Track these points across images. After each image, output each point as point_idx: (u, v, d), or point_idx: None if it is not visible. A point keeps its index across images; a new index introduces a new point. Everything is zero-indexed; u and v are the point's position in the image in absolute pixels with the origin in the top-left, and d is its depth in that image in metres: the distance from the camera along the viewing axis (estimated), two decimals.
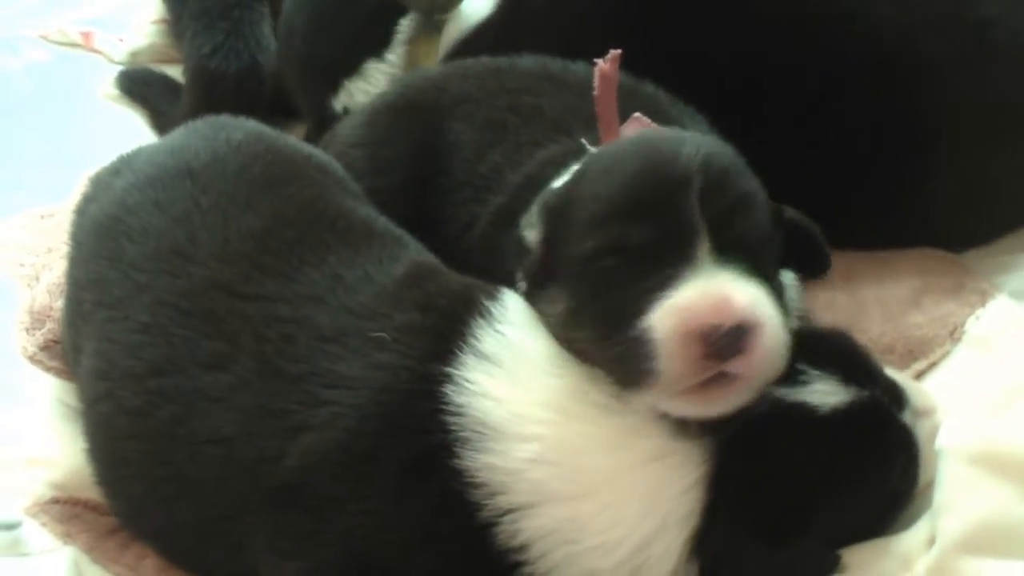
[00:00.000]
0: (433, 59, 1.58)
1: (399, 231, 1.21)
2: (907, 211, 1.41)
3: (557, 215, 1.09)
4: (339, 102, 1.59)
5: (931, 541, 1.04)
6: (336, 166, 1.30)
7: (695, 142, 1.07)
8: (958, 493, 1.05)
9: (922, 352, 1.28)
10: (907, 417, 1.07)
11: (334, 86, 1.60)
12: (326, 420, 1.04)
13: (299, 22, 1.60)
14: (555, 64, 1.40)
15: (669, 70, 1.32)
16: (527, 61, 1.42)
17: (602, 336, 1.03)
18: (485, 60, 1.46)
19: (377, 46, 1.58)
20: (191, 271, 1.14)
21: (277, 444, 1.05)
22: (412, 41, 1.58)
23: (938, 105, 1.41)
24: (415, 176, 1.38)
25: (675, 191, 1.01)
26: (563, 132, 1.27)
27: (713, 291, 0.97)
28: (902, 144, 1.38)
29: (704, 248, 0.99)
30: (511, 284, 1.13)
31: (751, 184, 1.06)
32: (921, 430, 1.09)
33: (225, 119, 1.32)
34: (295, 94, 1.63)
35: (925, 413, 1.12)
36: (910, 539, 1.06)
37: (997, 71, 1.40)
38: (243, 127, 1.29)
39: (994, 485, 1.05)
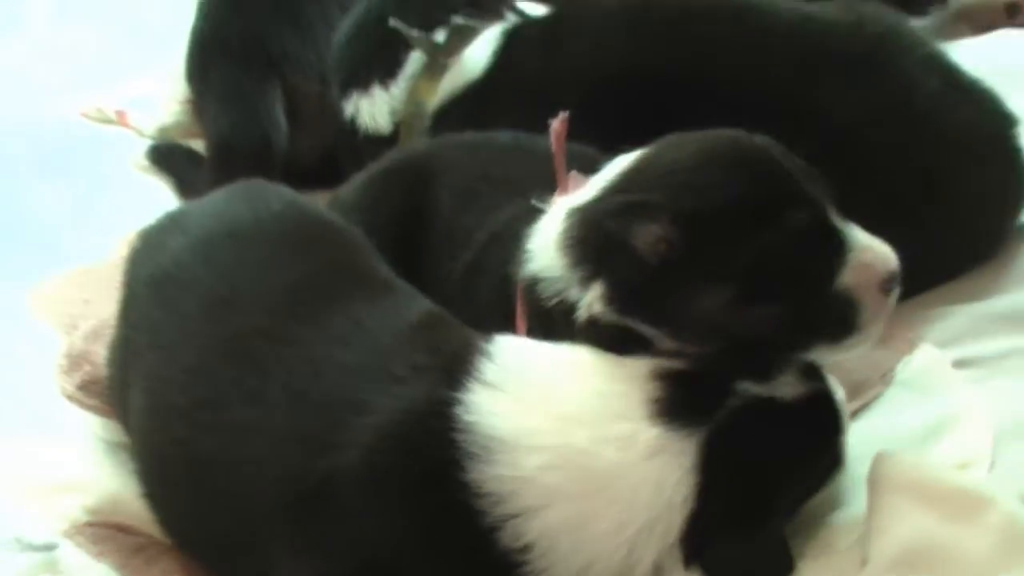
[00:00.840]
0: (431, 99, 1.61)
1: (407, 285, 1.27)
2: None
3: (689, 217, 1.10)
4: (348, 109, 1.65)
5: (864, 562, 1.10)
6: (353, 230, 1.37)
7: (751, 137, 1.17)
8: (888, 519, 1.10)
9: (857, 394, 1.32)
10: (839, 399, 1.16)
11: (345, 93, 1.65)
12: (348, 440, 1.10)
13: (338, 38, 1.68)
14: (526, 138, 1.46)
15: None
16: (503, 136, 1.49)
17: (795, 307, 1.12)
18: (468, 135, 1.52)
19: (385, 74, 1.63)
20: (234, 320, 1.22)
21: (304, 463, 1.11)
22: (416, 78, 1.62)
23: (879, 184, 1.44)
24: (404, 235, 1.44)
25: (790, 178, 1.12)
26: (521, 194, 1.31)
27: (875, 245, 1.14)
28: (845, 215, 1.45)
29: (836, 220, 1.13)
30: (480, 326, 1.18)
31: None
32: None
33: (261, 185, 1.41)
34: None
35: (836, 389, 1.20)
36: (846, 560, 1.11)
37: (931, 150, 1.47)
38: (279, 194, 1.37)
39: (919, 512, 1.11)
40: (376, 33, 1.62)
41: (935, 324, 1.42)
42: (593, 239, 1.13)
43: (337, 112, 1.65)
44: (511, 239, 1.22)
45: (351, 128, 1.62)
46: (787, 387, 1.10)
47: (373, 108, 1.62)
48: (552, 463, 1.06)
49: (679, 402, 1.08)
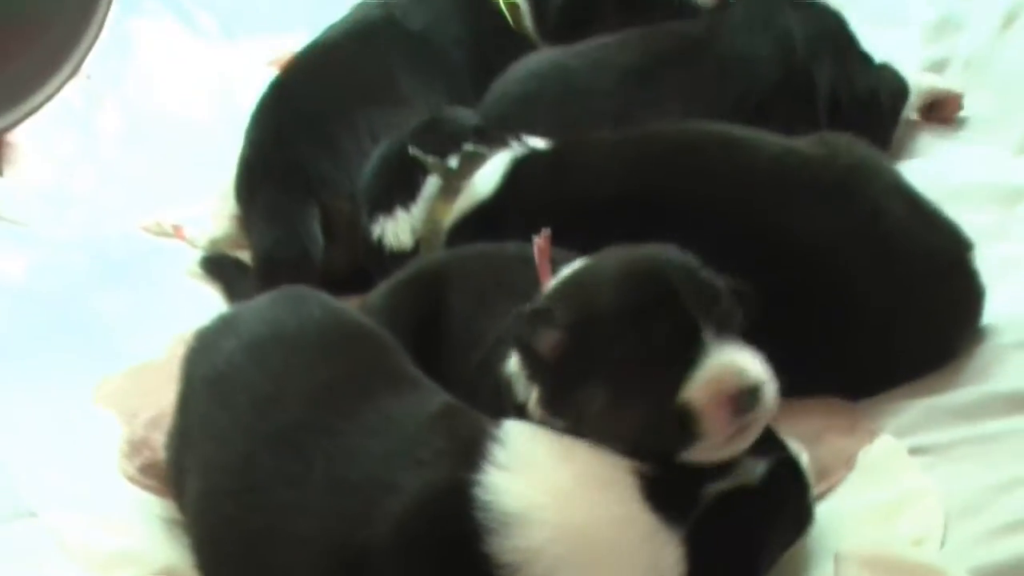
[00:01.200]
0: (447, 218, 1.66)
1: (429, 380, 1.33)
2: (817, 373, 1.49)
3: (574, 323, 1.17)
4: (375, 231, 1.71)
5: None
6: (383, 332, 1.42)
7: (658, 249, 1.21)
8: None
9: (823, 477, 1.37)
10: (803, 461, 1.22)
11: (373, 217, 1.71)
12: (380, 517, 1.16)
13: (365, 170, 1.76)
14: (531, 249, 1.47)
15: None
16: (512, 247, 1.51)
17: (648, 415, 1.14)
18: (481, 246, 1.56)
19: (406, 197, 1.68)
20: (279, 414, 1.29)
21: (342, 538, 1.17)
22: (433, 199, 1.67)
23: (849, 299, 1.50)
24: (425, 336, 1.48)
25: (669, 289, 1.14)
26: (527, 299, 1.32)
27: (729, 364, 1.12)
28: (818, 327, 1.50)
29: (708, 332, 1.13)
30: (493, 415, 1.22)
31: (713, 275, 1.19)
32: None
33: (302, 292, 1.47)
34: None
35: (799, 454, 1.25)
36: None
37: (897, 269, 1.51)
38: (318, 300, 1.44)
39: None
40: (397, 163, 1.69)
41: (893, 416, 1.48)
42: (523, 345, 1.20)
43: (365, 233, 1.71)
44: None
45: (378, 247, 1.68)
46: (750, 471, 1.16)
47: (397, 228, 1.67)
48: (558, 536, 1.11)
49: (662, 495, 1.13)
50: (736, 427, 1.12)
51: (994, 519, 1.31)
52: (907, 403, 1.51)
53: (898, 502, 1.36)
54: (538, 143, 1.67)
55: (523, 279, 1.43)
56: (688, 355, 1.13)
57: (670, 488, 1.14)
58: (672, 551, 1.12)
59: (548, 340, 1.18)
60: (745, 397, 1.12)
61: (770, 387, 1.14)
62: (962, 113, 2.03)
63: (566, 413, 1.19)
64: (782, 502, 1.19)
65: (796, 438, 1.40)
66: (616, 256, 1.23)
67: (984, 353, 1.55)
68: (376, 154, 1.74)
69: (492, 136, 1.69)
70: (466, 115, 1.79)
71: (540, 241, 1.32)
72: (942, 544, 1.29)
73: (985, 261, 1.60)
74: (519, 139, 1.68)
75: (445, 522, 1.14)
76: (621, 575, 1.12)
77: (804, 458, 1.24)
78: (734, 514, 1.14)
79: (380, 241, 1.68)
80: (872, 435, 1.47)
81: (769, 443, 1.19)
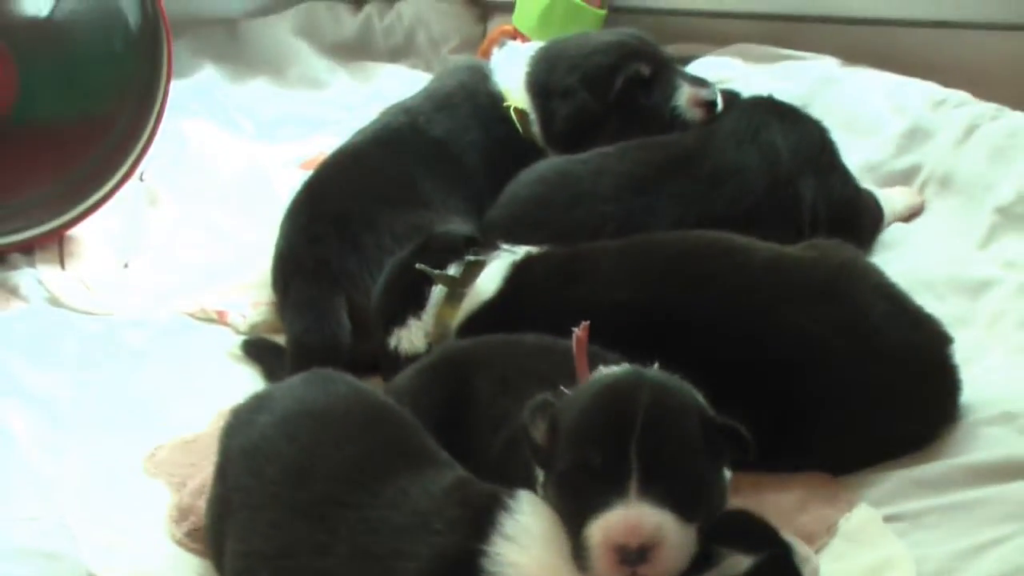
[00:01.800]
0: (454, 321, 1.70)
1: (445, 455, 1.38)
2: (803, 451, 1.57)
3: (554, 424, 1.25)
4: (391, 342, 1.73)
5: None
6: (403, 411, 1.46)
7: (649, 387, 1.22)
8: None
9: (807, 542, 1.38)
10: (796, 561, 1.22)
11: (388, 331, 1.74)
12: None
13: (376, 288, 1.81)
14: (547, 339, 1.54)
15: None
16: (530, 337, 1.57)
17: (568, 530, 1.20)
18: (501, 336, 1.60)
19: (416, 307, 1.72)
20: (310, 486, 1.33)
21: None
22: (440, 306, 1.71)
23: (835, 389, 1.54)
24: (447, 417, 1.51)
25: (622, 431, 1.18)
26: (551, 384, 1.37)
27: (629, 519, 1.15)
28: (805, 411, 1.55)
29: (633, 481, 1.16)
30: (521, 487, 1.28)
31: (685, 422, 1.21)
32: (805, 570, 1.23)
33: (332, 374, 1.52)
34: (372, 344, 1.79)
35: (805, 559, 1.26)
36: None
37: (880, 363, 1.55)
38: (344, 381, 1.50)
39: None
40: (403, 279, 1.73)
41: (870, 488, 1.55)
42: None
43: (381, 345, 1.74)
44: None
45: (395, 354, 1.72)
46: (732, 568, 1.17)
47: (411, 335, 1.71)
48: None
49: None
50: (624, 575, 1.16)
51: None
52: (882, 475, 1.56)
53: (876, 567, 1.43)
54: (530, 249, 1.73)
55: (543, 365, 1.50)
56: (606, 496, 1.17)
57: None
58: None
59: (540, 430, 1.27)
60: (632, 553, 1.15)
61: (670, 552, 1.16)
62: (930, 212, 2.12)
63: (548, 493, 1.26)
64: None
65: (782, 506, 1.51)
66: (611, 379, 1.28)
67: (952, 430, 1.62)
68: (383, 276, 1.78)
69: (485, 245, 1.76)
70: (458, 229, 1.85)
71: (580, 333, 1.37)
72: None
73: (953, 347, 1.66)
74: (509, 246, 1.74)
75: None
76: None
77: (801, 551, 1.25)
78: None
79: (396, 349, 1.72)
80: (851, 505, 1.52)
81: (765, 540, 1.21)
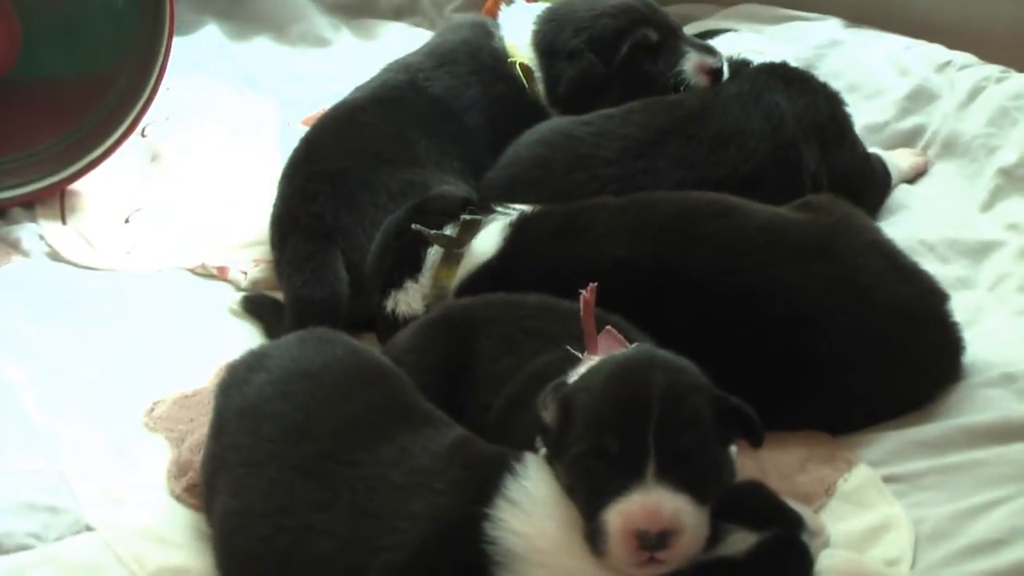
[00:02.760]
0: (452, 283, 1.67)
1: (442, 414, 1.36)
2: (802, 410, 1.55)
3: (567, 409, 1.23)
4: (388, 305, 1.71)
5: None
6: (399, 371, 1.44)
7: (662, 370, 1.20)
8: None
9: (806, 503, 1.38)
10: (805, 536, 1.20)
11: (385, 294, 1.72)
12: (398, 543, 1.20)
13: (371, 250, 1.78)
14: (550, 300, 1.52)
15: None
16: (532, 297, 1.54)
17: (582, 513, 1.18)
18: (503, 294, 1.57)
19: (412, 269, 1.69)
20: (307, 444, 1.32)
21: (363, 560, 1.21)
22: (436, 267, 1.68)
23: (832, 345, 1.53)
24: (448, 374, 1.50)
25: (639, 417, 1.16)
26: (555, 344, 1.39)
27: (648, 504, 1.14)
28: (802, 370, 1.53)
29: (651, 467, 1.14)
30: (517, 447, 1.26)
31: (699, 406, 1.19)
32: (813, 545, 1.22)
33: (328, 333, 1.51)
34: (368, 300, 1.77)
35: (816, 533, 1.24)
36: None
37: (873, 319, 1.55)
38: (342, 341, 1.48)
39: None
40: (399, 241, 1.71)
41: (869, 448, 1.54)
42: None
43: (378, 307, 1.72)
44: (548, 380, 1.30)
45: (392, 317, 1.69)
46: (736, 545, 1.16)
47: (408, 298, 1.69)
48: None
49: None
50: (642, 559, 1.14)
51: (958, 544, 1.37)
52: (881, 435, 1.56)
53: (873, 527, 1.41)
54: (524, 208, 1.71)
55: (546, 324, 1.49)
56: (623, 482, 1.15)
57: None
58: None
59: (552, 411, 1.25)
60: (652, 538, 1.14)
61: (688, 537, 1.14)
62: (933, 174, 2.09)
63: (559, 472, 1.23)
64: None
65: (781, 467, 1.49)
66: (624, 362, 1.26)
67: (951, 391, 1.60)
68: (377, 239, 1.76)
69: (481, 205, 1.73)
70: (454, 190, 1.82)
71: (587, 295, 1.35)
72: (912, 565, 1.35)
73: (954, 309, 1.65)
74: (505, 206, 1.71)
75: (458, 551, 1.17)
76: None
77: (822, 538, 1.23)
78: None
79: (394, 312, 1.70)
80: (850, 465, 1.51)
81: (772, 515, 1.20)
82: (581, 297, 1.35)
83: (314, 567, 1.24)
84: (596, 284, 1.35)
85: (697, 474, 1.17)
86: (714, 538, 1.17)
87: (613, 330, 1.36)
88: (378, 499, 1.24)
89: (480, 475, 1.22)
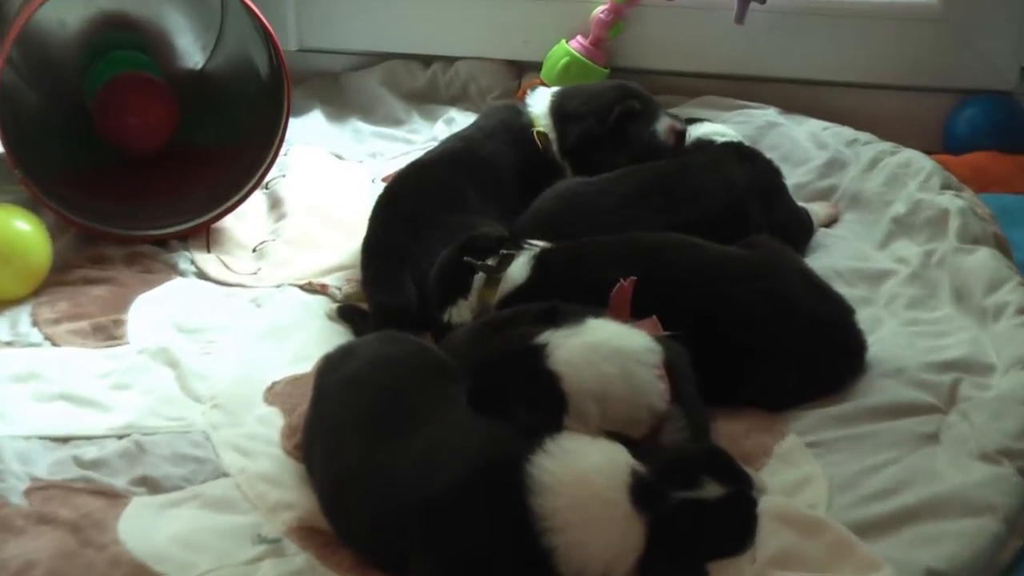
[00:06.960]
0: (492, 300, 1.66)
1: None
2: (746, 393, 1.56)
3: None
4: (445, 316, 1.71)
5: (753, 560, 1.22)
6: (453, 361, 1.45)
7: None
8: (768, 534, 1.24)
9: (749, 462, 1.40)
10: (755, 493, 1.24)
11: (442, 309, 1.72)
12: (460, 468, 1.21)
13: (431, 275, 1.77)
14: (570, 306, 1.46)
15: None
16: (560, 304, 1.49)
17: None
18: (537, 304, 1.52)
19: (463, 290, 1.69)
20: (387, 409, 1.33)
21: (430, 481, 1.21)
22: (480, 289, 1.68)
23: (768, 347, 1.54)
24: None
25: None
26: None
27: None
28: (746, 363, 1.54)
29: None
30: None
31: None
32: (759, 499, 1.26)
33: (399, 333, 1.53)
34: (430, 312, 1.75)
35: (761, 490, 1.30)
36: (742, 560, 1.21)
37: (797, 326, 1.55)
38: (410, 339, 1.51)
39: (786, 532, 1.25)
40: (454, 269, 1.71)
41: (797, 421, 1.52)
42: None
43: (436, 317, 1.71)
44: None
45: (447, 325, 1.69)
46: (711, 491, 1.18)
47: (459, 311, 1.68)
48: (571, 504, 1.16)
49: (641, 491, 1.16)
50: None
51: (861, 492, 1.37)
52: (806, 412, 1.54)
53: (799, 481, 1.41)
54: (544, 244, 1.71)
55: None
56: None
57: (648, 487, 1.16)
58: (637, 531, 1.14)
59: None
60: None
61: None
62: (843, 221, 2.08)
63: None
64: (728, 520, 1.20)
65: (732, 434, 1.48)
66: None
67: (858, 380, 1.60)
68: (436, 267, 1.75)
69: (514, 242, 1.73)
70: (493, 230, 1.81)
71: (625, 284, 1.37)
72: (827, 508, 1.35)
73: (859, 319, 1.66)
74: (531, 243, 1.72)
75: (504, 480, 1.19)
76: (600, 538, 1.15)
77: (763, 492, 1.27)
78: (688, 516, 1.16)
79: (449, 321, 1.70)
80: (783, 434, 1.49)
81: (735, 475, 1.22)
82: (618, 285, 1.35)
83: (388, 494, 1.25)
84: (635, 278, 1.36)
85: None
86: (695, 484, 1.17)
87: (656, 319, 1.38)
88: (444, 444, 1.24)
89: (528, 434, 1.22)
